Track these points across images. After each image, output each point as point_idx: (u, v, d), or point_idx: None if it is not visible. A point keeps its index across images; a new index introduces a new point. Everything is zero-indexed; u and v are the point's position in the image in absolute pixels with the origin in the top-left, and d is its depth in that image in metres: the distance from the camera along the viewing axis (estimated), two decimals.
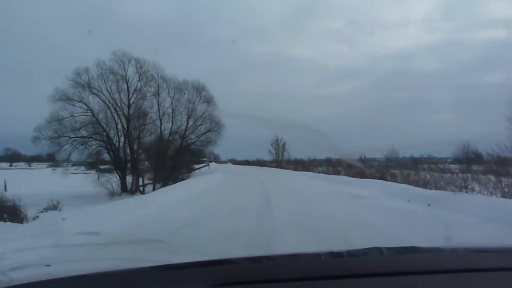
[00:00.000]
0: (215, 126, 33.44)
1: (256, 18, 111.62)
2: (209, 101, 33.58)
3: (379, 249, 1.35)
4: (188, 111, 32.28)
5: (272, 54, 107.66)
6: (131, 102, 28.02)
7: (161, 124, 30.47)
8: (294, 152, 47.73)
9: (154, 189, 25.61)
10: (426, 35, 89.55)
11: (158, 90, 30.25)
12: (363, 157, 22.48)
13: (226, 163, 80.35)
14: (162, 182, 27.90)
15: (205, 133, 33.13)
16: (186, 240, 5.64)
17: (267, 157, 55.12)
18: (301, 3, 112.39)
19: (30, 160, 79.98)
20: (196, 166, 38.05)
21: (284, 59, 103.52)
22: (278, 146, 51.76)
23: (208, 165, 43.33)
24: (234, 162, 75.79)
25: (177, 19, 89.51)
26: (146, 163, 30.49)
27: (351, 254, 1.32)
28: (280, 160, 51.27)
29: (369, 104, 71.75)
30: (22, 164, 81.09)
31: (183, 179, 26.72)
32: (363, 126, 57.93)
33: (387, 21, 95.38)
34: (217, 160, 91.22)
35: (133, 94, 28.14)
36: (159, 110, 30.60)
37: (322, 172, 28.49)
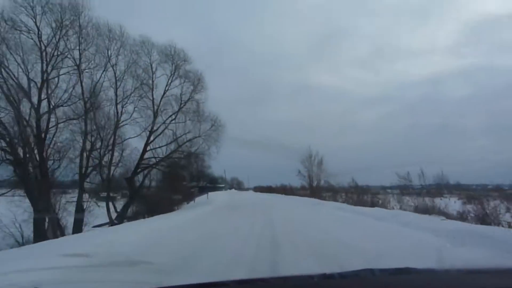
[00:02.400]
0: (212, 127, 22.63)
1: (280, 46, 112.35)
2: (195, 83, 22.15)
3: (371, 270, 1.35)
4: (153, 105, 21.06)
5: (296, 82, 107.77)
6: (48, 76, 16.72)
7: (115, 129, 19.80)
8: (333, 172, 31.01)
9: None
10: (454, 60, 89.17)
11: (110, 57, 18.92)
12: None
13: (248, 190, 77.26)
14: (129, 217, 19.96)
15: (189, 140, 22.49)
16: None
17: (296, 182, 38.22)
18: (325, 31, 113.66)
19: None
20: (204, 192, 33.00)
21: (307, 87, 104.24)
22: (312, 164, 32.60)
23: (207, 193, 34.37)
24: (256, 189, 70.11)
25: (196, 48, 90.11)
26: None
27: (342, 276, 1.31)
28: (316, 186, 31.41)
29: (397, 131, 71.25)
30: None
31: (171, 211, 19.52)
32: (391, 153, 55.93)
33: (412, 48, 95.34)
34: (240, 187, 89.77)
35: (50, 61, 16.72)
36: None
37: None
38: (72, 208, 17.33)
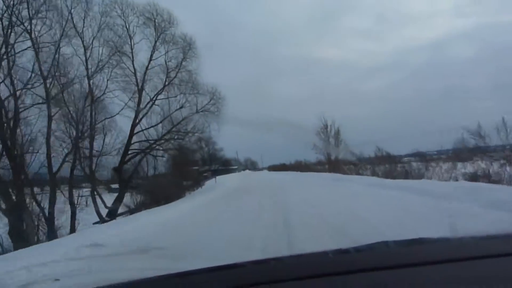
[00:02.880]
0: (211, 101, 19.56)
1: (282, 21, 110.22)
2: (185, 50, 19.03)
3: (385, 243, 1.36)
4: (136, 78, 18.22)
5: (300, 56, 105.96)
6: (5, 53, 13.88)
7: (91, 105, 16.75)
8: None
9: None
10: (458, 21, 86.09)
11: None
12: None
13: (262, 170, 75.63)
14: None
15: (185, 118, 19.38)
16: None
17: (312, 157, 34.33)
18: (327, 3, 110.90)
19: None
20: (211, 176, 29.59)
21: (312, 60, 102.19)
22: (328, 135, 28.80)
23: (215, 177, 30.53)
24: (270, 168, 68.44)
25: (202, 28, 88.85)
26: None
27: (357, 250, 1.33)
28: (335, 159, 27.07)
29: (404, 98, 69.92)
30: None
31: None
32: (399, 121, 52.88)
33: (415, 13, 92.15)
34: (254, 167, 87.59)
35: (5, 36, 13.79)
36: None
37: None
38: (62, 205, 15.48)
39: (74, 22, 16.33)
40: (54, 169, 15.44)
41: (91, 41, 17.00)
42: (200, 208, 12.16)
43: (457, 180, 11.30)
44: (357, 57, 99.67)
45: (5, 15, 13.87)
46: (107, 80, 17.92)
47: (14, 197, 13.42)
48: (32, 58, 14.84)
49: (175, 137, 20.08)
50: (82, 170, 17.69)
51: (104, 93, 17.88)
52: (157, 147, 20.05)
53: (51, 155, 15.35)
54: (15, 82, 14.37)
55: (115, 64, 17.96)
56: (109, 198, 19.43)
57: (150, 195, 17.75)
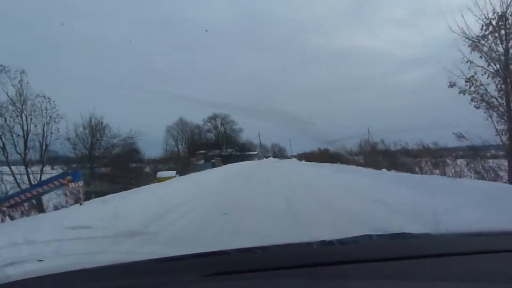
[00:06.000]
0: None
1: (315, 12, 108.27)
2: None
3: (369, 236, 1.38)
4: None
5: (334, 48, 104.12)
6: None
7: None
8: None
9: None
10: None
11: None
12: None
13: (290, 158, 61.25)
14: None
15: None
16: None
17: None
18: None
19: None
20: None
21: (346, 51, 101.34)
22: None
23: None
24: (301, 156, 56.67)
25: (237, 20, 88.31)
26: None
27: (342, 242, 1.34)
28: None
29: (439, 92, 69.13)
30: None
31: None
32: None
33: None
34: (283, 154, 76.68)
35: None
36: None
37: None
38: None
39: None
40: None
41: None
42: None
43: None
44: (392, 48, 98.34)
45: None
46: None
47: None
48: None
49: None
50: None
51: None
52: None
53: None
54: None
55: None
56: None
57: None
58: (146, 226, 6.08)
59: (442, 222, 4.49)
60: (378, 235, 1.40)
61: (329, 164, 24.78)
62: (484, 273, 1.00)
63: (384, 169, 15.54)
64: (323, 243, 1.34)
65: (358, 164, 21.18)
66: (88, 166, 23.73)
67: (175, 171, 24.39)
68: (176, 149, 53.90)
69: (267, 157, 63.09)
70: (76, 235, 4.89)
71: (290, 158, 60.50)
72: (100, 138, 25.37)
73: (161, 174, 23.22)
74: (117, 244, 4.72)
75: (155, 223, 6.30)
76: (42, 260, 2.77)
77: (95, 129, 25.21)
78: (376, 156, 19.18)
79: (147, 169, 28.02)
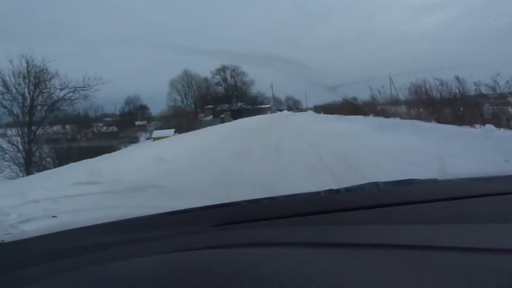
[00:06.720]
0: None
1: None
2: None
3: (376, 184, 1.39)
4: None
5: None
6: None
7: None
8: None
9: None
10: None
11: None
12: None
13: (305, 111, 54.32)
14: None
15: None
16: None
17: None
18: None
19: None
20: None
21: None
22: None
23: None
24: (318, 108, 50.64)
25: None
26: None
27: (348, 190, 1.36)
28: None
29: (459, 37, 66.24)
30: None
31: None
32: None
33: None
34: (297, 107, 70.21)
35: None
36: None
37: None
38: None
39: None
40: None
41: None
42: None
43: None
44: None
45: None
46: None
47: None
48: None
49: None
50: None
51: None
52: None
53: None
54: None
55: None
56: None
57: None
58: None
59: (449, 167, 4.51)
60: (385, 182, 1.41)
61: (360, 116, 18.81)
62: (492, 215, 1.01)
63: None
64: (331, 191, 1.35)
65: (402, 116, 14.89)
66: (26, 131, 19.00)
67: (173, 130, 23.46)
68: (182, 104, 52.49)
69: (281, 110, 57.70)
70: (85, 190, 5.01)
71: (305, 110, 53.87)
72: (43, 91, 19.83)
73: (156, 133, 22.47)
74: (127, 198, 4.85)
75: None
76: (55, 216, 2.86)
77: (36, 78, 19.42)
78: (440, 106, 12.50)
79: (150, 127, 26.43)
